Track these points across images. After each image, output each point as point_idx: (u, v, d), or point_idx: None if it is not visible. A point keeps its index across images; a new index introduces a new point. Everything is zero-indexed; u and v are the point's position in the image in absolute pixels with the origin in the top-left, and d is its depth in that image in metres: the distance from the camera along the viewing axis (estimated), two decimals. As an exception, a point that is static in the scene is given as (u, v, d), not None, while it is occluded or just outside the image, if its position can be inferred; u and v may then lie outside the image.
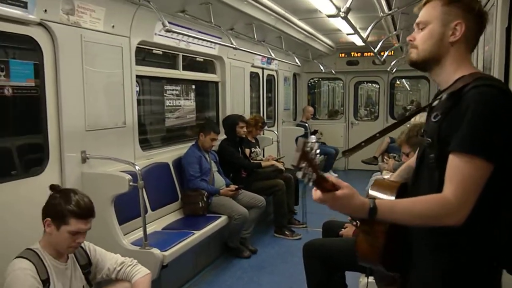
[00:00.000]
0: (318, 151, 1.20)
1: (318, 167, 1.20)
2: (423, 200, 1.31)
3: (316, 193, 1.27)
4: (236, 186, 4.64)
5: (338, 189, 1.26)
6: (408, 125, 3.61)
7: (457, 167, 1.26)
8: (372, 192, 1.55)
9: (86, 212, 2.20)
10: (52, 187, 2.28)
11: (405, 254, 1.50)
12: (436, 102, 1.43)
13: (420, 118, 4.78)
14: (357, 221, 1.51)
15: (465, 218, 1.24)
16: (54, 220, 2.15)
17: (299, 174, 1.18)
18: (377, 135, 1.56)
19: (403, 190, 1.53)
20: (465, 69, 1.39)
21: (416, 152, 1.60)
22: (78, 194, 2.22)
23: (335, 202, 1.26)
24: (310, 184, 1.20)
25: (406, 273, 1.52)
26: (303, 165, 1.17)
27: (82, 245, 2.34)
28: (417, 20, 1.45)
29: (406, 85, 10.89)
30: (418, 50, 1.43)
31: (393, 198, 1.49)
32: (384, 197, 1.50)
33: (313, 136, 1.29)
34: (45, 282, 2.11)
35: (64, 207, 2.14)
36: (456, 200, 1.24)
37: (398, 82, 10.67)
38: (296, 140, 7.95)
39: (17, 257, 2.13)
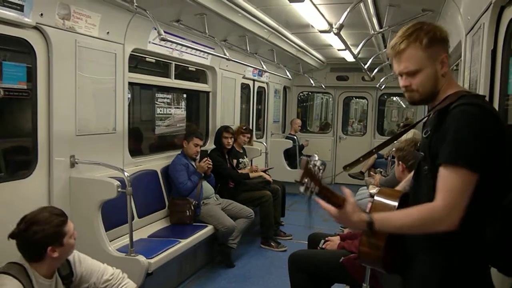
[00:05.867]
0: (322, 166, 1.38)
1: (322, 181, 1.38)
2: (415, 211, 1.43)
3: (330, 209, 1.48)
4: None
5: (335, 198, 1.44)
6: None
7: (444, 178, 1.38)
8: (377, 198, 1.67)
9: (63, 213, 2.21)
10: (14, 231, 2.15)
11: (404, 255, 1.60)
12: (425, 119, 1.56)
13: (408, 135, 4.88)
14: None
15: (457, 222, 1.35)
16: (55, 243, 2.12)
17: (301, 189, 1.35)
18: (374, 150, 1.66)
19: (405, 198, 1.64)
20: (452, 87, 1.53)
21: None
22: (44, 212, 2.17)
23: (342, 217, 1.47)
24: (314, 196, 1.38)
25: (405, 273, 1.62)
26: (306, 180, 1.33)
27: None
28: (404, 69, 1.53)
29: (401, 102, 11.04)
30: (420, 92, 1.54)
31: (396, 203, 1.62)
32: (388, 203, 1.63)
33: (315, 155, 1.43)
34: None
35: (53, 228, 2.11)
36: (445, 207, 1.36)
37: (394, 99, 10.83)
38: (285, 152, 8.01)
39: (5, 272, 2.05)
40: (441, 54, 1.50)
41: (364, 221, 1.45)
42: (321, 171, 1.39)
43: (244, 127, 5.81)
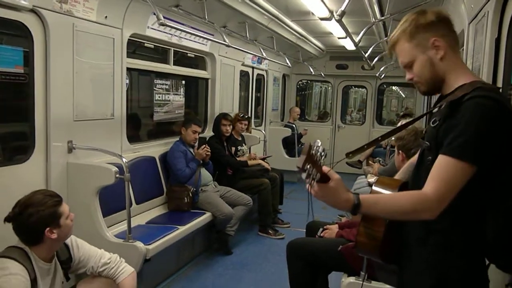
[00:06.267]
0: (323, 153, 1.28)
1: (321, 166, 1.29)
2: (403, 196, 1.40)
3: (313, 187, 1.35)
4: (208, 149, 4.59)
5: (329, 180, 1.34)
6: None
7: (442, 167, 1.34)
8: (375, 188, 1.64)
9: (57, 195, 2.22)
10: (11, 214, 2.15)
11: (401, 246, 1.59)
12: (436, 110, 1.50)
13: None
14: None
15: (438, 213, 1.33)
16: (52, 224, 2.12)
17: (303, 175, 1.26)
18: (379, 138, 1.63)
19: (404, 188, 1.60)
20: (465, 77, 1.46)
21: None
22: (37, 194, 2.17)
23: (323, 193, 1.34)
24: (314, 183, 1.28)
25: (402, 264, 1.61)
26: (308, 167, 1.24)
27: (66, 240, 2.32)
28: (401, 64, 1.54)
29: (400, 92, 11.01)
30: (422, 83, 1.52)
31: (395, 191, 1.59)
32: (386, 193, 1.60)
33: (318, 140, 1.35)
34: (33, 282, 2.08)
35: (48, 209, 2.11)
36: (436, 197, 1.32)
37: (393, 89, 10.80)
38: (284, 140, 8.00)
39: (8, 256, 2.06)
40: (429, 39, 1.45)
41: (350, 202, 1.36)
42: (323, 157, 1.30)
43: (241, 115, 5.78)
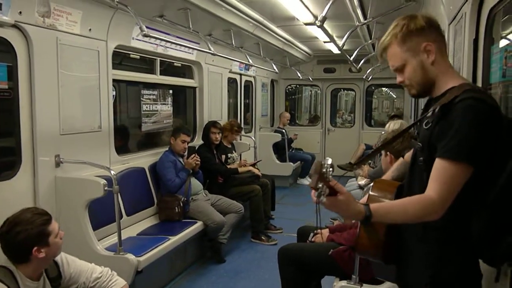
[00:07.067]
0: (331, 169, 1.32)
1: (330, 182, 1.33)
2: (411, 203, 1.45)
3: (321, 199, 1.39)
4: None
5: (336, 193, 1.39)
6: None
7: (442, 170, 1.40)
8: (373, 193, 1.70)
9: (47, 213, 2.18)
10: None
11: (400, 246, 1.63)
12: (429, 113, 1.53)
13: (394, 125, 4.90)
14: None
15: (442, 213, 1.39)
16: (40, 243, 2.08)
17: (315, 195, 1.29)
18: (380, 147, 1.67)
19: (400, 191, 1.68)
20: (454, 80, 1.51)
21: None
22: (26, 212, 2.13)
23: (335, 205, 1.40)
24: (324, 199, 1.32)
25: (400, 262, 1.66)
26: (320, 185, 1.28)
27: (56, 257, 2.30)
28: (392, 67, 1.58)
29: (391, 93, 11.10)
30: (414, 86, 1.56)
31: (392, 197, 1.67)
32: (384, 198, 1.67)
33: (328, 158, 1.38)
34: None
35: (36, 228, 2.07)
36: (440, 198, 1.38)
37: (384, 90, 10.89)
38: (274, 145, 8.01)
39: None
40: (421, 44, 1.49)
41: (362, 213, 1.42)
42: (331, 172, 1.34)
43: (237, 126, 5.79)
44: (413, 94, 1.60)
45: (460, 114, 1.37)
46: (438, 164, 1.40)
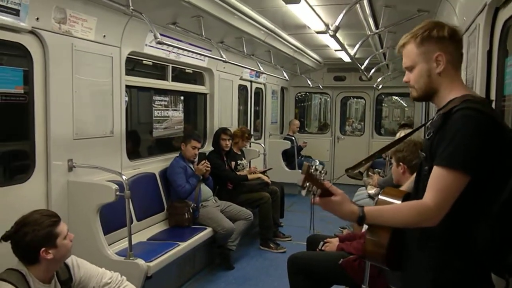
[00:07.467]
0: (323, 170, 1.47)
1: (323, 183, 1.47)
2: (405, 207, 1.52)
3: (315, 199, 1.52)
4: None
5: (332, 195, 1.50)
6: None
7: (438, 177, 1.43)
8: (381, 197, 1.74)
9: (55, 215, 2.20)
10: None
11: (403, 251, 1.65)
12: (429, 122, 1.60)
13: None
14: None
15: (440, 220, 1.41)
16: (47, 244, 2.10)
17: (303, 192, 1.45)
18: (376, 153, 1.70)
19: (407, 198, 1.69)
20: (457, 91, 1.53)
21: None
22: (35, 214, 2.15)
23: (328, 205, 1.52)
24: (317, 198, 1.48)
25: (404, 268, 1.68)
26: (307, 184, 1.43)
27: (67, 260, 2.31)
28: (404, 65, 1.61)
29: (402, 101, 11.06)
30: (416, 89, 1.60)
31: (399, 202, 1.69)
32: (392, 201, 1.70)
33: (316, 160, 1.52)
34: None
35: (44, 229, 2.09)
36: (435, 206, 1.41)
37: (394, 98, 10.85)
38: (283, 153, 8.01)
39: (4, 280, 2.03)
40: (434, 52, 1.52)
41: (355, 214, 1.50)
42: (323, 174, 1.48)
43: (247, 133, 5.81)
44: (413, 96, 1.63)
45: (455, 123, 1.41)
46: (435, 172, 1.44)
